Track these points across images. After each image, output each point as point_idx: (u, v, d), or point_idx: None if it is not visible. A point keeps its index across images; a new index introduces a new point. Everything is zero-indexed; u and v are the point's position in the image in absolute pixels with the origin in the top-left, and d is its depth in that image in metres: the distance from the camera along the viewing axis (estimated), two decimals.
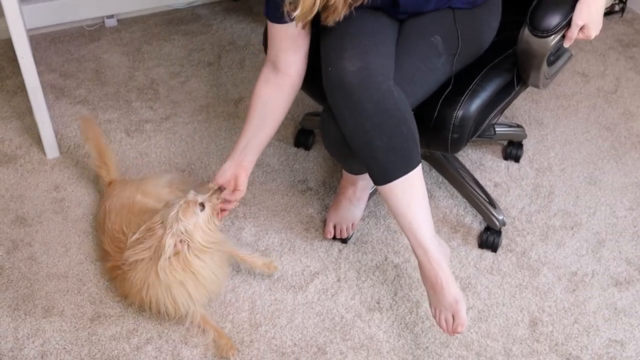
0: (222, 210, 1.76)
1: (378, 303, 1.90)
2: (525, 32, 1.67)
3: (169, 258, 1.64)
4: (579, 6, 1.63)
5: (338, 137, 1.68)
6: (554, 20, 1.62)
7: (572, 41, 1.65)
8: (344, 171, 1.98)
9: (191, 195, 1.68)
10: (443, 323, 1.69)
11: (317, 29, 1.69)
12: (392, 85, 1.60)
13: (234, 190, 1.77)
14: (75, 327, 1.83)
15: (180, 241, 1.64)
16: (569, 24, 1.64)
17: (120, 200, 1.91)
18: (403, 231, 1.72)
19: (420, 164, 1.69)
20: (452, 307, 1.67)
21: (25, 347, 1.78)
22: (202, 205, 1.67)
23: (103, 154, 2.08)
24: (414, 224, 1.69)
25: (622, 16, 3.01)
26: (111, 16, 2.88)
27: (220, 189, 1.73)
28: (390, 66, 1.63)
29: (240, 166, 1.77)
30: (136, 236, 1.67)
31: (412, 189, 1.68)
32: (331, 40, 1.66)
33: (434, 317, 1.71)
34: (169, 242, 1.63)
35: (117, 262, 1.78)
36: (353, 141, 1.64)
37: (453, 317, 1.67)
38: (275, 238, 2.06)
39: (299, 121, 2.43)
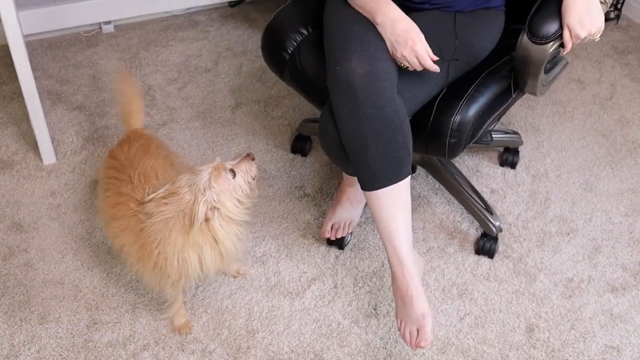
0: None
1: (375, 309, 1.90)
2: (524, 38, 1.67)
3: (200, 224, 1.61)
4: (562, 8, 1.62)
5: (336, 139, 1.68)
6: (552, 27, 1.63)
7: (570, 45, 1.64)
8: (344, 174, 1.98)
9: (218, 160, 1.65)
10: (407, 335, 1.70)
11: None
12: (395, 93, 1.61)
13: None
14: (71, 333, 1.82)
15: (211, 208, 1.60)
16: None
17: (159, 150, 1.88)
18: (382, 239, 1.74)
19: (410, 176, 1.69)
20: (418, 321, 1.68)
21: (21, 354, 1.77)
22: (233, 172, 1.65)
23: (133, 104, 2.02)
24: (394, 234, 1.70)
25: (617, 23, 3.03)
26: (108, 22, 2.89)
27: (250, 155, 1.70)
28: (395, 74, 1.64)
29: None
30: (160, 194, 1.63)
31: (398, 199, 1.69)
32: (338, 39, 1.67)
33: (399, 328, 1.72)
34: (202, 209, 1.59)
35: (136, 197, 1.70)
36: (349, 143, 1.65)
37: (418, 331, 1.68)
38: (272, 244, 2.06)
39: (296, 127, 2.43)
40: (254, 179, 1.70)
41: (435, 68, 1.63)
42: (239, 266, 1.96)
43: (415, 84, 1.70)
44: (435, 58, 1.63)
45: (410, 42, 1.61)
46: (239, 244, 1.72)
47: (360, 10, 1.70)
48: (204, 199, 1.59)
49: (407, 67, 1.65)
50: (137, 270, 1.74)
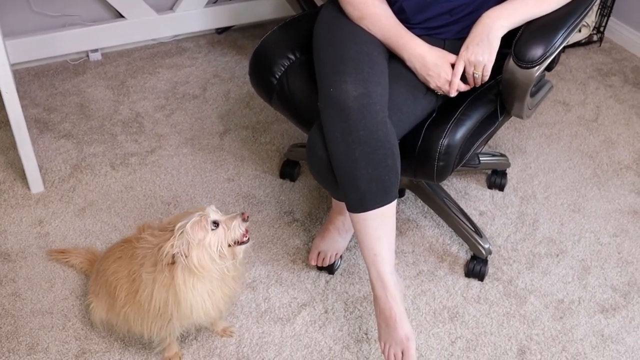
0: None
1: (366, 334, 1.89)
2: (510, 62, 1.69)
3: (164, 266, 1.54)
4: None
5: (324, 160, 1.68)
6: (538, 51, 1.64)
7: (460, 66, 1.72)
8: (334, 201, 1.98)
9: (212, 208, 1.57)
10: (392, 358, 1.70)
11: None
12: (386, 116, 1.62)
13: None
14: None
15: (175, 254, 1.53)
16: (552, 55, 1.66)
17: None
18: (365, 261, 1.74)
19: (396, 200, 1.70)
20: (402, 343, 1.68)
21: None
22: (216, 224, 1.55)
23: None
24: (378, 256, 1.71)
25: (600, 46, 3.07)
26: (95, 50, 2.89)
27: (244, 215, 1.58)
28: (386, 98, 1.65)
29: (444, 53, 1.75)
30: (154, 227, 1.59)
31: (384, 222, 1.70)
32: (331, 61, 1.68)
33: (383, 351, 1.72)
34: (167, 250, 1.52)
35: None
36: (340, 165, 1.65)
37: (403, 353, 1.68)
38: (262, 270, 2.06)
39: (284, 152, 2.44)
40: (237, 243, 1.59)
41: (467, 87, 1.75)
42: (226, 325, 1.88)
43: (405, 108, 1.71)
44: (469, 87, 1.75)
45: (444, 74, 1.72)
46: (209, 302, 1.63)
47: (382, 41, 1.77)
48: (173, 242, 1.52)
49: (442, 94, 1.76)
50: (125, 311, 1.68)
